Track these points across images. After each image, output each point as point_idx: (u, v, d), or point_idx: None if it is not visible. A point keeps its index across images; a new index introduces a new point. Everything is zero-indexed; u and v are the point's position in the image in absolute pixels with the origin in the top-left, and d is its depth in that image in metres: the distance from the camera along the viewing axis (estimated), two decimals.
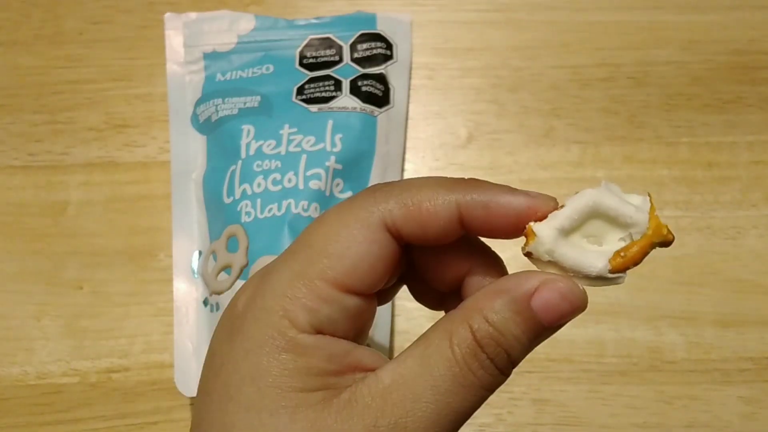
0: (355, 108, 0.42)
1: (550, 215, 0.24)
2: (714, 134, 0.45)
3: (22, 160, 0.45)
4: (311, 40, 0.45)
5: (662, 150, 0.45)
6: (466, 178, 0.25)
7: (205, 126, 0.44)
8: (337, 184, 0.41)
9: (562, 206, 0.24)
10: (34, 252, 0.44)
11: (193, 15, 0.46)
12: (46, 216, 0.44)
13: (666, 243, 0.23)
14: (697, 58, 0.46)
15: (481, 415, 0.41)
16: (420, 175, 0.45)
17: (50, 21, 0.47)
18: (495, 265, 0.26)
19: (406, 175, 0.45)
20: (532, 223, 0.23)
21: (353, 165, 0.42)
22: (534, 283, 0.23)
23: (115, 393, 0.42)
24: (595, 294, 0.44)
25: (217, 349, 0.25)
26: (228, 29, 0.45)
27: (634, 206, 0.23)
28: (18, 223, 0.44)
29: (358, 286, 0.24)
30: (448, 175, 0.44)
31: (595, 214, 0.24)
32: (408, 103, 0.46)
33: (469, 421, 0.42)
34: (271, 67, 0.44)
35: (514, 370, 0.43)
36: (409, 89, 0.46)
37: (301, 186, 0.40)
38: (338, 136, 0.41)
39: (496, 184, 0.24)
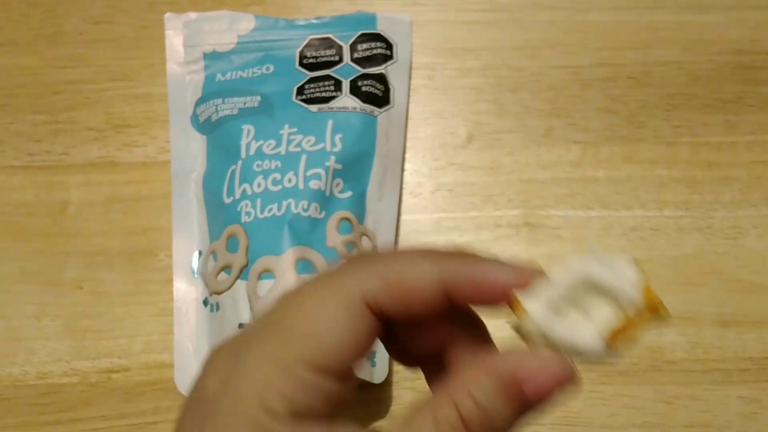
0: (355, 108, 0.42)
1: (537, 287, 0.23)
2: (714, 134, 0.45)
3: (22, 160, 0.45)
4: (311, 40, 0.45)
5: (662, 150, 0.45)
6: (449, 249, 0.24)
7: (205, 126, 0.44)
8: (337, 184, 0.41)
9: (547, 276, 0.23)
10: (34, 252, 0.44)
11: (193, 15, 0.46)
12: (46, 216, 0.44)
13: (662, 320, 0.23)
14: (697, 58, 0.46)
15: None
16: (420, 175, 0.45)
17: (50, 21, 0.47)
18: (479, 334, 0.25)
19: (406, 175, 0.45)
20: (520, 297, 0.23)
21: (353, 165, 0.42)
22: (526, 365, 0.22)
23: (115, 393, 0.42)
24: None
25: None
26: (228, 29, 0.45)
27: (627, 281, 0.22)
28: (18, 223, 0.44)
29: (338, 368, 0.23)
30: (449, 175, 0.45)
31: (584, 285, 0.23)
32: (408, 103, 0.46)
33: None
34: (271, 67, 0.44)
35: None
36: (409, 89, 0.46)
37: (301, 186, 0.40)
38: (338, 136, 0.41)
39: (480, 257, 0.23)
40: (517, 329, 0.23)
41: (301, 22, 0.45)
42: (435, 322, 0.25)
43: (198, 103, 0.44)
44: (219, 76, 0.45)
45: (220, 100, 0.44)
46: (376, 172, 0.42)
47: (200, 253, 0.42)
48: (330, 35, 0.45)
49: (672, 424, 0.41)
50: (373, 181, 0.42)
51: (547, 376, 0.22)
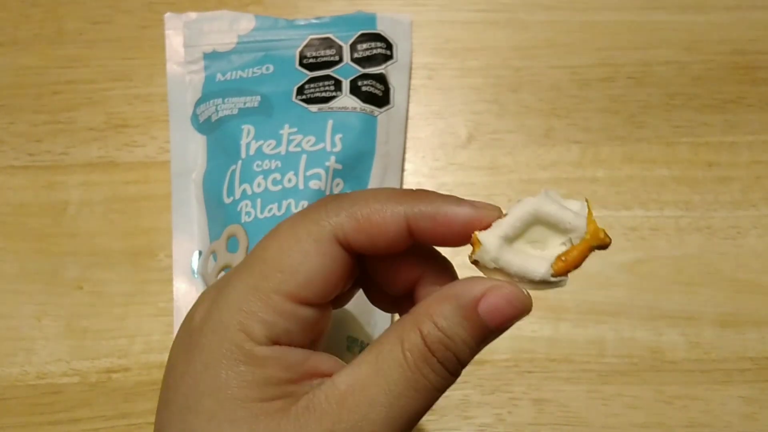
0: (355, 108, 0.42)
1: (494, 224, 0.25)
2: (714, 134, 0.45)
3: (22, 160, 0.45)
4: (311, 40, 0.45)
5: (662, 150, 0.45)
6: (414, 189, 0.26)
7: (205, 126, 0.44)
8: (337, 184, 0.41)
9: (505, 215, 0.25)
10: (34, 252, 0.44)
11: (193, 15, 0.46)
12: (46, 216, 0.44)
13: (604, 246, 0.25)
14: (697, 58, 0.46)
15: (481, 415, 0.41)
16: (420, 175, 0.45)
17: (50, 21, 0.47)
18: (445, 270, 0.27)
19: (406, 175, 0.45)
20: (477, 232, 0.25)
21: (353, 165, 0.42)
22: (481, 289, 0.24)
23: (115, 393, 0.42)
24: (595, 294, 0.44)
25: (175, 361, 0.25)
26: (228, 29, 0.45)
27: (572, 212, 0.25)
28: (18, 223, 0.44)
29: (312, 298, 0.25)
30: (449, 175, 0.45)
31: (536, 220, 0.25)
32: (408, 103, 0.46)
33: (469, 421, 0.42)
34: (271, 67, 0.44)
35: (516, 369, 0.44)
36: (409, 89, 0.46)
37: (301, 186, 0.40)
38: (338, 136, 0.41)
39: (443, 195, 0.25)
40: (474, 261, 0.25)
41: (301, 22, 0.45)
42: (405, 263, 0.27)
43: (198, 103, 0.44)
44: (219, 76, 0.45)
45: (220, 100, 0.44)
46: (376, 172, 0.42)
47: (200, 253, 0.42)
48: (330, 35, 0.45)
49: (672, 424, 0.41)
50: (373, 181, 0.42)
51: (498, 296, 0.24)
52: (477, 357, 0.44)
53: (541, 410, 0.41)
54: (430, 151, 0.45)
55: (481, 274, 0.25)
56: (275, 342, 0.24)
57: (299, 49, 0.45)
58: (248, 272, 0.25)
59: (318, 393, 0.24)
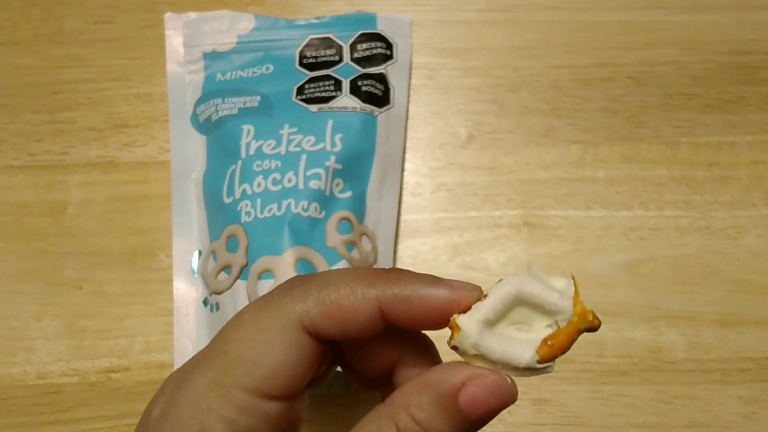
0: (355, 108, 0.42)
1: (474, 306, 0.23)
2: (714, 134, 0.45)
3: (22, 160, 0.45)
4: (311, 40, 0.45)
5: (662, 150, 0.45)
6: (387, 269, 0.24)
7: (205, 126, 0.44)
8: (337, 184, 0.41)
9: (486, 295, 0.23)
10: (34, 252, 0.44)
11: (193, 15, 0.46)
12: (46, 216, 0.44)
13: (593, 328, 0.23)
14: (697, 58, 0.46)
15: None
16: (420, 175, 0.45)
17: (50, 21, 0.47)
18: (425, 350, 0.25)
19: (406, 175, 0.45)
20: (456, 316, 0.23)
21: (353, 165, 0.42)
22: (461, 378, 0.22)
23: (115, 393, 0.42)
24: (595, 294, 0.44)
25: None
26: (228, 29, 0.45)
27: (557, 293, 0.23)
28: (18, 223, 0.44)
29: (277, 391, 0.23)
30: (449, 175, 0.45)
31: (519, 301, 0.23)
32: (408, 103, 0.46)
33: None
34: (271, 67, 0.44)
35: None
36: (409, 89, 0.46)
37: (301, 186, 0.40)
38: (338, 136, 0.41)
39: (418, 275, 0.24)
40: (453, 346, 0.23)
41: (301, 22, 0.45)
42: (381, 346, 0.25)
43: (198, 103, 0.44)
44: (219, 76, 0.45)
45: (220, 100, 0.44)
46: (376, 172, 0.42)
47: (200, 253, 0.42)
48: (330, 35, 0.45)
49: (672, 424, 0.41)
50: (373, 181, 0.42)
51: (479, 386, 0.22)
52: None
53: (541, 410, 0.41)
54: (430, 151, 0.45)
55: (461, 358, 0.23)
56: None
57: (299, 49, 0.45)
58: (208, 365, 0.23)
59: None
